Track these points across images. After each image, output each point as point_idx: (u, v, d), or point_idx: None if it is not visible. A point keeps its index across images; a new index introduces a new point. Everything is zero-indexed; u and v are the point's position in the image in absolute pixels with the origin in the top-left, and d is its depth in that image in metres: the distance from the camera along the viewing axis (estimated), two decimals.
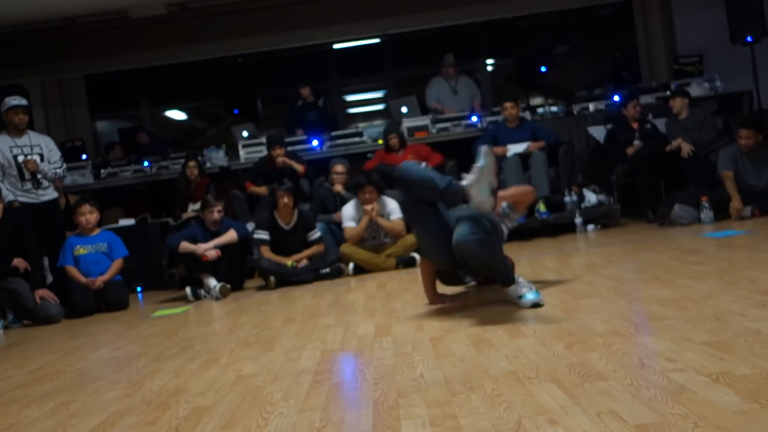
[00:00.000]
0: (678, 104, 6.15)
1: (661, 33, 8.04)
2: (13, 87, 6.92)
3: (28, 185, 5.12)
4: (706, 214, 5.20)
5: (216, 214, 5.16)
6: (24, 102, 5.23)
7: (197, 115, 9.94)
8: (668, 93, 6.68)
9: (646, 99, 6.89)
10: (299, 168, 6.26)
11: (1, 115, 5.18)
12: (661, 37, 8.04)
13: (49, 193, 5.26)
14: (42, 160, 5.19)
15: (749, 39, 6.82)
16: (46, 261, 5.37)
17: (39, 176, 5.14)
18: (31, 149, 5.18)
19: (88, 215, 5.13)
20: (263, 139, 6.88)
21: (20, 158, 5.12)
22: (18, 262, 4.75)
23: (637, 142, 6.24)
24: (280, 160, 6.24)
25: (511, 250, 4.37)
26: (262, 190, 6.19)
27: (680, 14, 7.95)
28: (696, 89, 6.75)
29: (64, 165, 5.45)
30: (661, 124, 6.36)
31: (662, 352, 1.95)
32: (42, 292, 4.76)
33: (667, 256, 3.88)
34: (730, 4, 6.95)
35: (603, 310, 2.69)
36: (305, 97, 7.56)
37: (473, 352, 2.27)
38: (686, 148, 5.83)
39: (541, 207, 5.93)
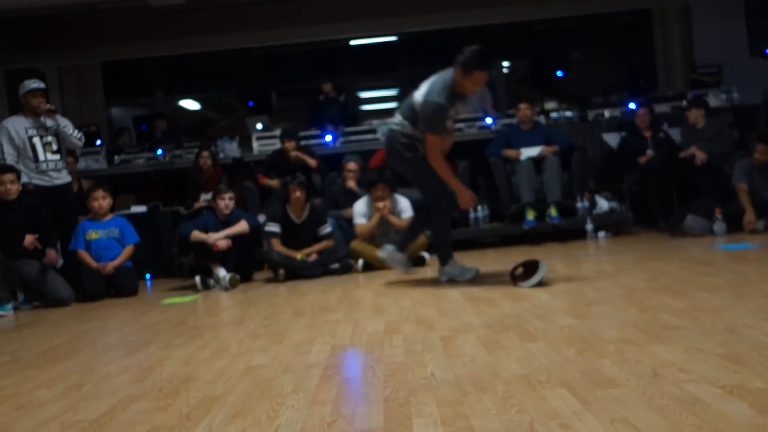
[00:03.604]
0: (693, 115, 6.13)
1: (679, 42, 8.00)
2: (31, 70, 6.94)
3: (43, 167, 5.13)
4: (719, 225, 5.18)
5: (227, 200, 5.17)
6: (43, 85, 5.25)
7: (210, 105, 9.96)
8: (684, 103, 6.65)
9: (662, 108, 6.86)
10: (312, 162, 6.27)
11: (19, 97, 5.21)
12: (679, 46, 8.00)
13: (63, 177, 5.28)
14: (58, 141, 5.21)
15: None
16: (57, 244, 5.38)
17: (57, 125, 5.11)
18: (47, 131, 5.20)
19: (101, 200, 5.16)
20: (277, 132, 6.89)
21: (35, 140, 5.14)
22: (29, 243, 4.77)
23: (649, 151, 6.21)
24: (293, 154, 6.26)
25: (521, 253, 4.39)
26: (274, 182, 6.20)
27: (700, 24, 7.91)
28: (713, 100, 6.71)
29: (82, 135, 5.40)
30: (676, 133, 6.34)
31: (675, 362, 1.95)
32: (49, 252, 4.80)
33: (679, 267, 3.86)
34: (750, 16, 6.92)
35: (614, 317, 2.69)
36: (327, 92, 7.59)
37: (484, 353, 2.27)
38: (700, 156, 5.80)
39: (553, 212, 5.91)
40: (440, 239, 4.13)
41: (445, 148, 3.97)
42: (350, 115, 7.75)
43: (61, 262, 5.35)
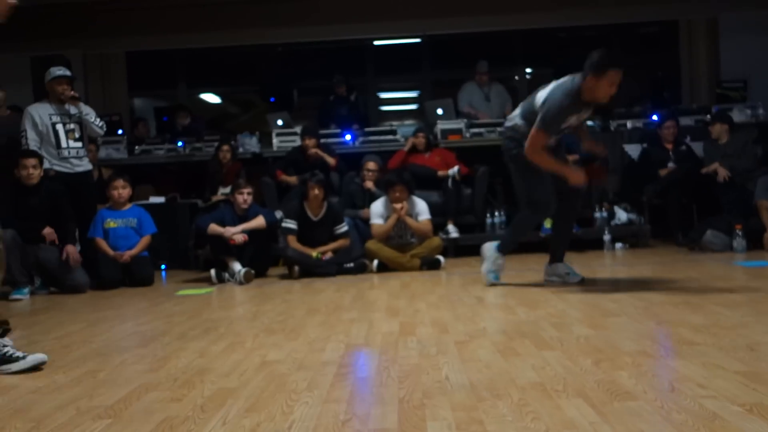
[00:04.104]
0: (717, 130, 6.07)
1: (705, 55, 7.93)
2: (56, 57, 7.00)
3: (65, 153, 5.18)
4: (739, 242, 5.12)
5: (245, 195, 5.20)
6: (68, 73, 5.30)
7: (231, 99, 10.01)
8: (708, 117, 6.59)
9: (686, 121, 6.81)
10: (331, 161, 6.28)
11: (45, 83, 5.26)
12: (705, 59, 7.93)
13: (84, 165, 5.33)
14: (81, 128, 5.25)
15: None
16: (76, 232, 5.43)
17: (80, 113, 5.16)
18: (70, 118, 5.24)
19: (121, 190, 5.20)
20: (297, 129, 6.90)
21: (59, 126, 5.19)
22: (48, 233, 4.82)
23: (671, 164, 6.16)
24: (312, 151, 6.27)
25: (535, 261, 4.37)
26: (293, 179, 6.22)
27: (727, 38, 7.83)
28: (737, 115, 6.65)
29: (103, 124, 5.44)
30: (698, 147, 6.28)
31: (693, 377, 1.93)
32: (69, 248, 4.81)
33: (697, 282, 3.83)
34: None
35: (631, 329, 2.66)
36: (339, 93, 7.60)
37: (499, 359, 2.26)
38: (722, 173, 5.75)
39: None
40: (514, 232, 4.06)
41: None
42: (362, 114, 7.73)
43: (78, 248, 5.40)
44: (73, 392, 2.09)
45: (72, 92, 5.19)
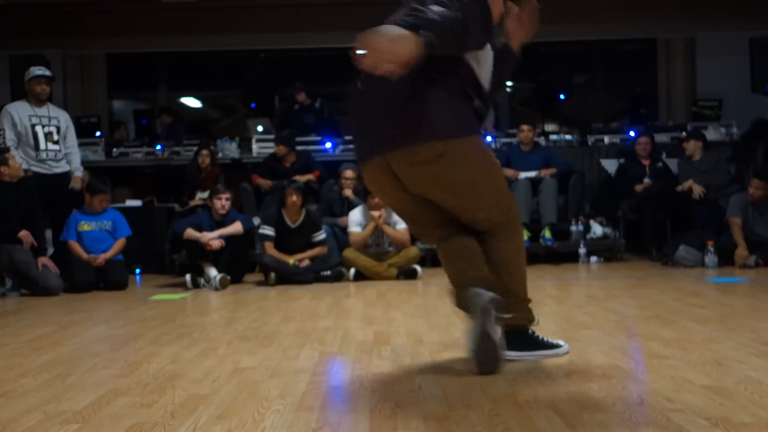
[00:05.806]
0: (691, 146, 6.17)
1: (682, 74, 8.08)
2: (35, 57, 6.93)
3: (43, 155, 5.14)
4: (711, 258, 5.20)
5: (223, 200, 5.18)
6: (48, 73, 5.26)
7: (212, 104, 9.97)
8: (684, 134, 6.70)
9: (661, 138, 6.91)
10: (312, 177, 6.25)
11: (24, 83, 5.22)
12: (682, 77, 8.08)
13: (62, 166, 5.29)
14: (58, 132, 5.22)
15: None
16: (49, 233, 5.37)
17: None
18: (49, 120, 5.20)
19: (104, 202, 5.19)
20: None
21: (38, 128, 5.14)
22: (23, 236, 4.76)
23: (647, 180, 6.25)
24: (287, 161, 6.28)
25: (530, 272, 4.36)
26: (266, 182, 6.21)
27: (704, 57, 7.98)
28: (712, 133, 6.77)
29: (78, 154, 5.48)
30: (673, 163, 6.38)
31: (662, 391, 1.95)
32: (44, 260, 4.79)
33: (669, 296, 3.88)
34: (755, 53, 6.98)
35: (603, 342, 2.69)
36: (302, 101, 7.52)
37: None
38: (697, 190, 5.84)
39: (546, 233, 5.94)
40: None
41: None
42: (327, 120, 7.67)
43: (51, 251, 5.34)
44: (41, 396, 2.06)
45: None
